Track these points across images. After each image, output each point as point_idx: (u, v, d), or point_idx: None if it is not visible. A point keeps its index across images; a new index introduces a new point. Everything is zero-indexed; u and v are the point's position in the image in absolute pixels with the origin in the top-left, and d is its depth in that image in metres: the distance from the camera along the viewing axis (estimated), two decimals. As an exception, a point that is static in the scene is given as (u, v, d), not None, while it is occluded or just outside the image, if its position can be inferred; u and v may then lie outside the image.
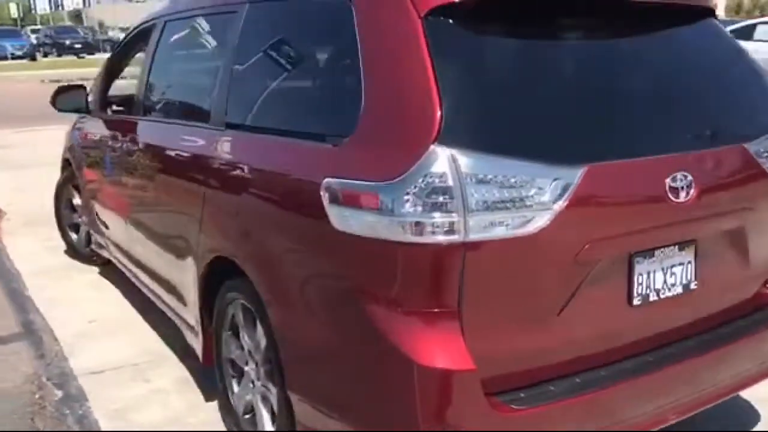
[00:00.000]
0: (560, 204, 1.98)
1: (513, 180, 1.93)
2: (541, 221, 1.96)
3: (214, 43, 3.26)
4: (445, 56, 2.00)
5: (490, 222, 1.92)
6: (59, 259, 5.36)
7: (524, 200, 1.94)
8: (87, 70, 26.27)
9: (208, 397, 3.28)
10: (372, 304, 2.01)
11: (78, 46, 42.06)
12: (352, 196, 2.03)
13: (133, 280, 4.08)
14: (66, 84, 4.64)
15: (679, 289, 2.31)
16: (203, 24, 3.39)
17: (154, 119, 3.59)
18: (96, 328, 4.12)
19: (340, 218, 2.06)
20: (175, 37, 3.63)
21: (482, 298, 1.97)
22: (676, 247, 2.28)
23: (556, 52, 2.27)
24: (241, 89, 2.81)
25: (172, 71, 3.71)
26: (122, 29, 56.08)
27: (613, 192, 2.14)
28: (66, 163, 5.24)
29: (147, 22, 4.17)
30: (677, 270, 2.30)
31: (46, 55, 41.37)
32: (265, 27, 2.80)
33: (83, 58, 38.96)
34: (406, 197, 1.91)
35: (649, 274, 2.25)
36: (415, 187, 1.90)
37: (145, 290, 3.90)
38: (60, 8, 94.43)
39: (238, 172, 2.61)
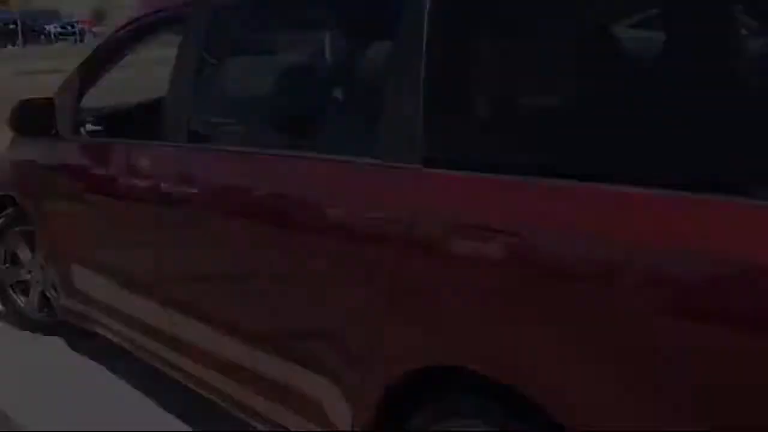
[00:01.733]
0: None
1: None
2: None
3: (341, 38, 2.25)
4: None
5: None
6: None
7: None
8: None
9: None
10: None
11: None
12: None
13: (168, 370, 2.92)
14: (28, 99, 3.34)
15: None
16: (307, 11, 2.36)
17: (228, 149, 2.48)
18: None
19: None
20: (245, 33, 2.55)
21: None
22: None
23: None
24: (452, 108, 1.84)
25: (251, 80, 2.59)
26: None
27: None
28: (4, 203, 3.91)
29: (155, 14, 3.03)
30: None
31: None
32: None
33: None
34: None
35: None
36: None
37: (194, 385, 2.78)
38: None
39: (495, 240, 1.63)
